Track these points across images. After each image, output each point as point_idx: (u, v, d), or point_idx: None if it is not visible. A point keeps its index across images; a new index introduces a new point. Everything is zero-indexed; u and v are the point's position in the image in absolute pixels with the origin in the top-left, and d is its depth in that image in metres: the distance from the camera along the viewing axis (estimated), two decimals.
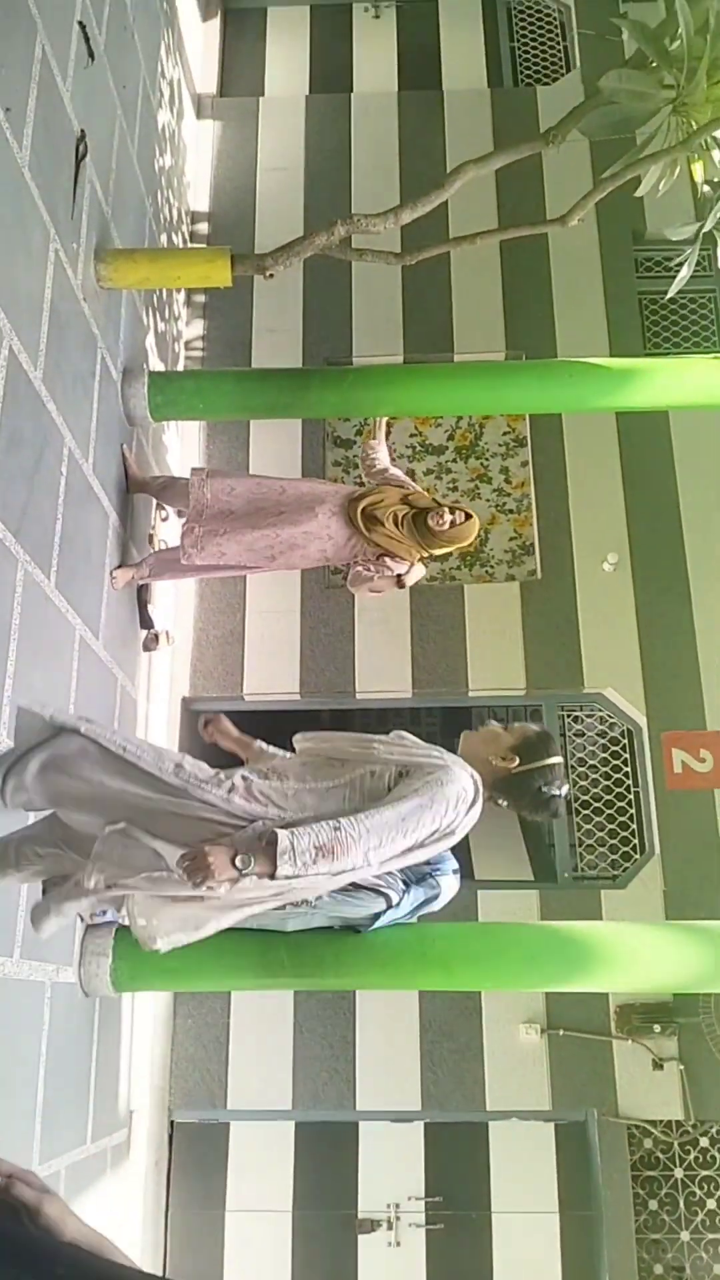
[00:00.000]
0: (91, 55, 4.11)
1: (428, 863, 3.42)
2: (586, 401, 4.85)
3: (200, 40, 6.77)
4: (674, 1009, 5.00)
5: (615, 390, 4.61)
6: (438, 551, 4.17)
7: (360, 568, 4.16)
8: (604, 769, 5.62)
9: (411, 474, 6.02)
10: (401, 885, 3.38)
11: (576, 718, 5.69)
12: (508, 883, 5.39)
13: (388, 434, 4.19)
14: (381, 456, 4.39)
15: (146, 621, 4.80)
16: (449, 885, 3.47)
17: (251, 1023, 5.11)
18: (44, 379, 3.42)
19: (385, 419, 4.32)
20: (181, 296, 6.01)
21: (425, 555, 4.18)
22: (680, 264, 4.48)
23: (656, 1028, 4.98)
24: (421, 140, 6.61)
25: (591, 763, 5.65)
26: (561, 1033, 5.01)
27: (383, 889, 3.29)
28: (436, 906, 3.45)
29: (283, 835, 2.08)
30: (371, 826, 2.14)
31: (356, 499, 4.16)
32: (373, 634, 5.63)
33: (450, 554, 4.37)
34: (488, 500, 6.08)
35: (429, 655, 5.59)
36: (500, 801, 2.43)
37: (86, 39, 4.05)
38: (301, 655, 5.59)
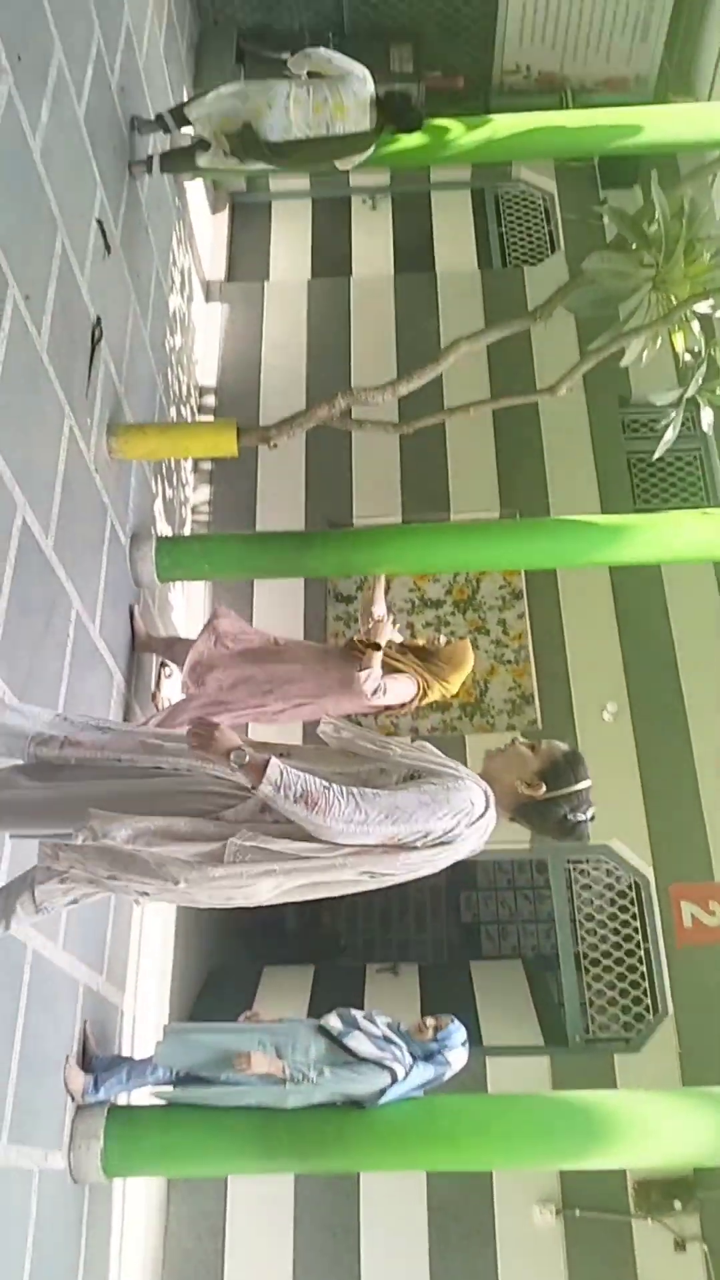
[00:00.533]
0: (108, 248, 4.44)
1: (436, 1039, 3.30)
2: (579, 557, 5.00)
3: (210, 230, 7.29)
4: (696, 1183, 4.72)
5: (607, 546, 4.75)
6: (443, 682, 4.19)
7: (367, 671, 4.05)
8: (613, 924, 5.49)
9: (411, 627, 6.14)
10: (408, 1060, 3.26)
11: (583, 870, 5.61)
12: (517, 1049, 5.19)
13: (386, 590, 4.29)
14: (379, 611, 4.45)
15: None
16: (457, 1060, 3.35)
17: (249, 1210, 4.82)
18: (55, 547, 3.54)
19: (383, 578, 4.41)
20: (189, 463, 6.27)
21: (427, 679, 4.20)
22: (666, 426, 4.70)
23: (678, 1204, 4.69)
24: (417, 318, 7.02)
25: (600, 918, 5.53)
26: (578, 1213, 4.72)
27: (387, 1063, 3.18)
28: (444, 1078, 3.33)
29: (274, 762, 2.02)
30: (361, 800, 2.03)
31: (354, 638, 4.22)
32: None
33: (452, 697, 4.40)
34: (486, 651, 6.17)
35: None
36: (522, 825, 2.30)
37: (104, 234, 4.37)
38: None
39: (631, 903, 5.49)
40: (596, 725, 5.74)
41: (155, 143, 5.16)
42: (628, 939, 5.42)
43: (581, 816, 2.25)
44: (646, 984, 5.28)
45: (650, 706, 5.80)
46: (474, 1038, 5.26)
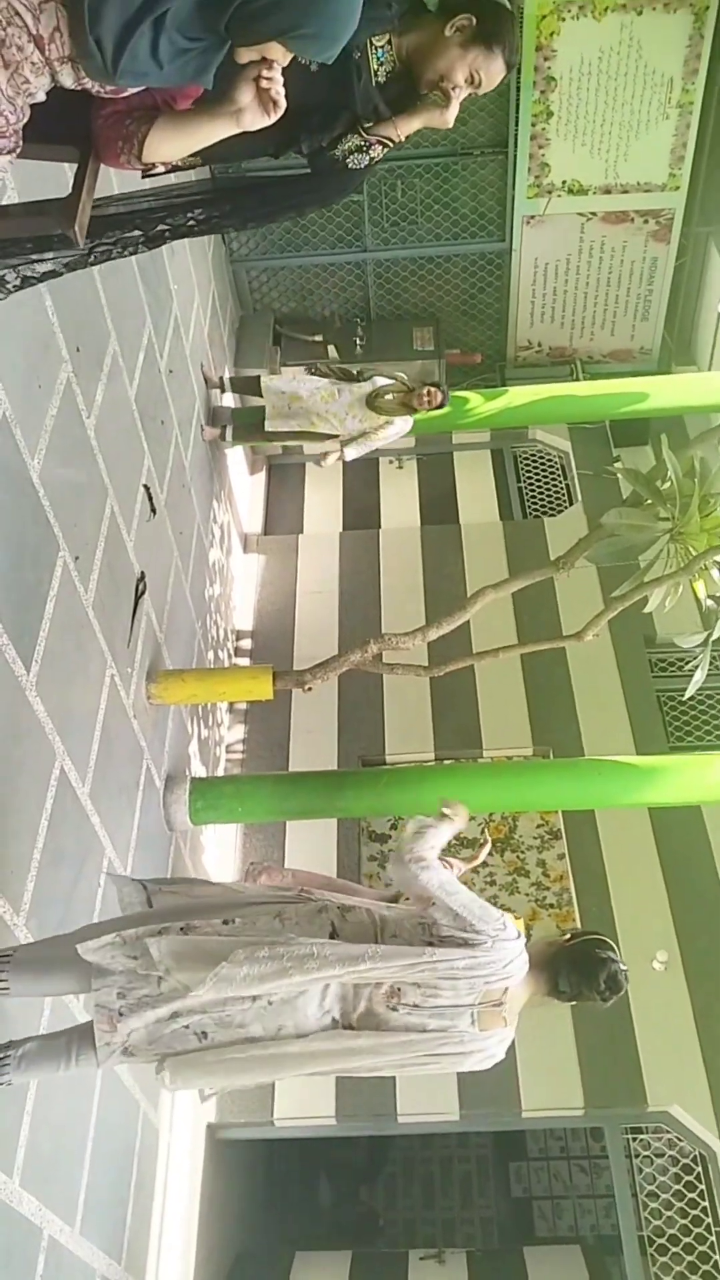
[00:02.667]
0: (154, 510, 4.73)
1: None
2: (615, 798, 4.93)
3: (248, 489, 7.79)
4: None
5: (643, 787, 4.70)
6: None
7: None
8: (680, 1203, 4.97)
9: (450, 867, 5.97)
10: None
11: (643, 1141, 5.14)
12: None
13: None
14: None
15: None
16: None
17: None
18: (90, 794, 3.55)
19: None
20: (225, 705, 6.38)
21: None
22: (695, 667, 4.76)
23: None
24: (443, 567, 7.33)
25: (665, 1196, 5.01)
26: None
27: None
28: None
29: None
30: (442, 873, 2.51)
31: (395, 899, 4.10)
32: None
33: None
34: (526, 894, 5.97)
35: (476, 1073, 5.17)
36: (562, 986, 2.46)
37: (150, 498, 4.67)
38: (337, 1076, 5.20)
39: (698, 1178, 4.99)
40: (647, 975, 5.43)
41: (229, 417, 6.14)
42: (697, 1221, 4.88)
43: (612, 954, 2.46)
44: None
45: (703, 955, 5.50)
46: None
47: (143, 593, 4.33)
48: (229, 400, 6.55)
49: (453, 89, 1.98)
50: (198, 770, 5.37)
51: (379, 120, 2.02)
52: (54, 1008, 3.11)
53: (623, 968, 2.46)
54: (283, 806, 4.92)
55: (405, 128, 2.03)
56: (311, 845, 5.97)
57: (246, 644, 6.98)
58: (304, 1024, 2.32)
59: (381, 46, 1.99)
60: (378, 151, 2.05)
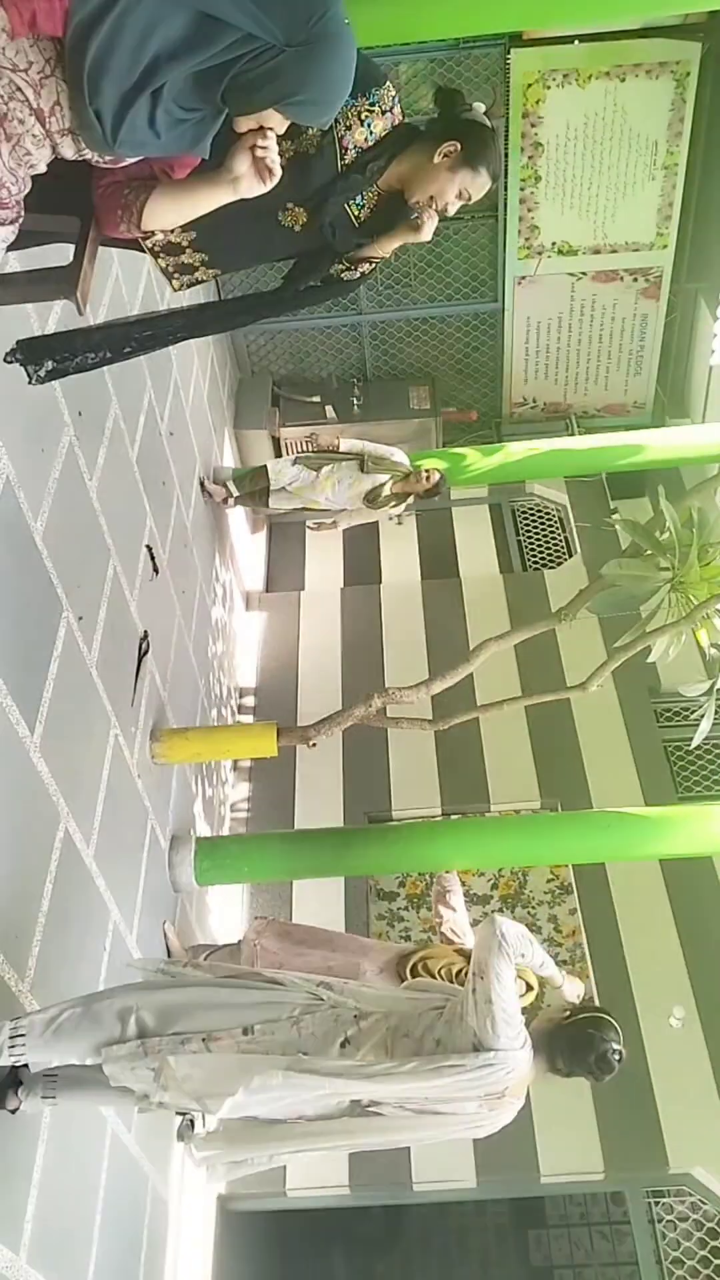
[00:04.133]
0: (156, 570, 4.75)
1: None
2: (626, 851, 4.87)
3: (249, 547, 7.84)
4: None
5: (654, 839, 4.65)
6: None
7: None
8: (706, 1271, 4.80)
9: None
10: None
11: (665, 1205, 4.99)
12: None
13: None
14: (453, 920, 4.31)
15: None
16: None
17: None
18: (95, 856, 3.51)
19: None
20: (229, 763, 6.35)
21: None
22: (700, 716, 4.74)
23: None
24: (445, 620, 7.35)
25: (690, 1263, 4.85)
26: None
27: None
28: None
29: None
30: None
31: (407, 955, 4.06)
32: None
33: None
34: (545, 1016, 5.85)
35: (493, 1138, 5.04)
36: (559, 1064, 2.57)
37: (153, 558, 4.70)
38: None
39: None
40: (665, 1033, 5.33)
41: (231, 486, 6.31)
42: None
43: (609, 1035, 2.58)
44: None
45: None
46: None
47: (146, 652, 4.33)
48: (230, 462, 6.64)
49: (443, 207, 2.13)
50: (203, 829, 5.33)
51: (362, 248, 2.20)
52: None
53: (615, 1048, 2.57)
54: (289, 865, 4.87)
55: (387, 247, 2.21)
56: (319, 903, 5.89)
57: (250, 701, 6.97)
58: (324, 1108, 2.46)
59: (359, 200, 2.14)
60: (367, 267, 2.24)
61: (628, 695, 6.76)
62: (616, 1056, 2.57)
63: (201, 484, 6.03)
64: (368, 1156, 4.99)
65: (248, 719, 6.77)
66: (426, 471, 5.80)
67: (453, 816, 6.27)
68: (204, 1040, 2.44)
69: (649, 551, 4.75)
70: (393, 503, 5.91)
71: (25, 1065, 2.68)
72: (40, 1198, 2.82)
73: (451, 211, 2.14)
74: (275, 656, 7.29)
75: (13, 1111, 2.66)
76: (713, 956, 5.60)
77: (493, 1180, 5.01)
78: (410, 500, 6.02)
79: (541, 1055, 2.58)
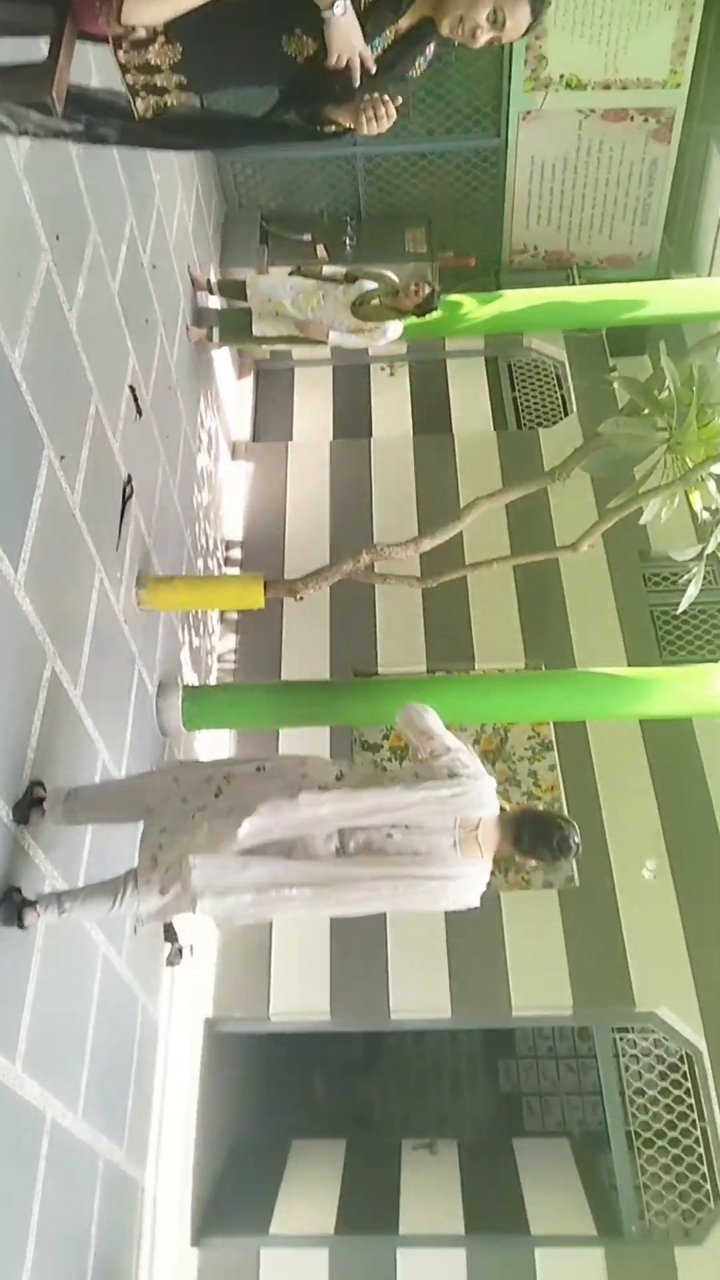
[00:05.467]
0: (139, 412, 4.61)
1: None
2: (608, 710, 4.93)
3: (235, 394, 7.61)
4: None
5: (634, 699, 4.70)
6: None
7: None
8: (665, 1100, 5.11)
9: None
10: None
11: (631, 1040, 5.27)
12: (568, 1239, 4.74)
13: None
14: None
15: (170, 935, 4.61)
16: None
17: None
18: (83, 697, 3.51)
19: None
20: (216, 613, 6.33)
21: None
22: (688, 581, 4.72)
23: None
24: (436, 477, 7.22)
25: (651, 1093, 5.15)
26: None
27: None
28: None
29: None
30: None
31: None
32: (407, 949, 5.35)
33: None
34: (518, 804, 6.00)
35: (467, 970, 5.28)
36: (523, 840, 2.81)
37: (136, 399, 4.55)
38: (332, 972, 5.29)
39: (684, 1076, 5.13)
40: (637, 884, 5.52)
41: (215, 319, 6.03)
42: (683, 1116, 5.03)
43: (571, 829, 2.81)
44: (705, 1168, 4.87)
45: (692, 864, 5.58)
46: (520, 1224, 4.88)
47: (130, 496, 4.24)
48: (215, 302, 6.35)
49: (472, 31, 1.90)
50: (190, 678, 5.34)
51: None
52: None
53: (576, 839, 2.82)
54: (277, 714, 4.91)
55: (346, 119, 2.02)
56: (305, 753, 5.97)
57: (236, 554, 6.90)
58: (313, 849, 2.74)
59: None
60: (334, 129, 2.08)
61: (617, 559, 6.72)
62: (575, 844, 2.81)
63: (201, 282, 5.84)
64: (348, 986, 5.23)
65: (234, 572, 6.71)
66: (415, 284, 5.43)
67: (437, 674, 6.31)
68: (225, 777, 2.92)
69: (647, 410, 4.64)
70: (384, 316, 5.51)
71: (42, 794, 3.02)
72: (34, 1012, 2.93)
73: (480, 40, 1.91)
74: (262, 509, 7.18)
75: (39, 803, 2.99)
76: (686, 813, 5.75)
77: (467, 1012, 5.25)
78: (398, 322, 5.65)
79: (510, 830, 2.83)
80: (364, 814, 2.76)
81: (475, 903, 2.83)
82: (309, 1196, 5.18)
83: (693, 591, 4.62)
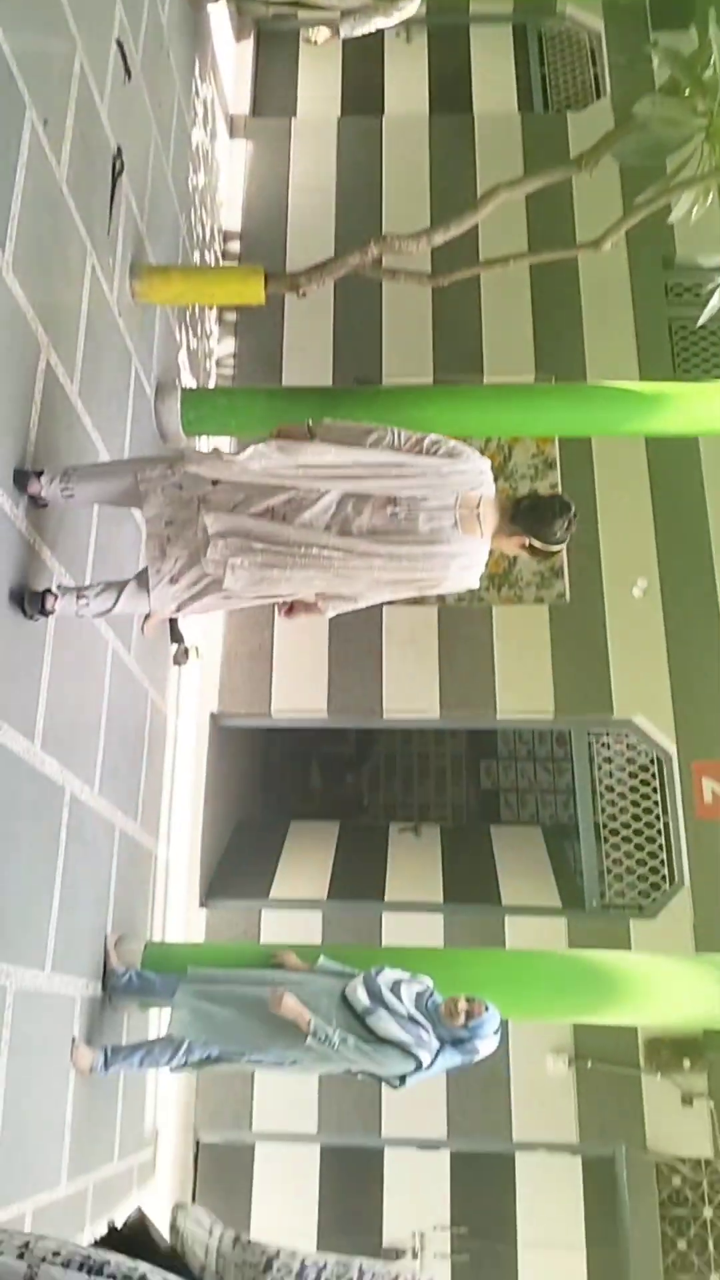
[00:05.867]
0: (129, 73, 4.14)
1: (467, 1027, 3.26)
2: (616, 425, 4.83)
3: (234, 60, 6.83)
4: (704, 1045, 4.88)
5: (644, 415, 4.58)
6: None
7: None
8: (633, 796, 5.53)
9: None
10: (434, 1044, 3.22)
11: (605, 744, 5.62)
12: (535, 909, 5.30)
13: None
14: None
15: (176, 636, 4.78)
16: (487, 1048, 3.29)
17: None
18: (80, 394, 3.41)
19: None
20: (213, 314, 6.02)
21: None
22: (711, 292, 4.46)
23: (686, 1063, 4.86)
24: (452, 163, 6.63)
25: (620, 790, 5.57)
26: (590, 1064, 4.90)
27: (412, 1049, 3.16)
28: (470, 1065, 3.35)
29: None
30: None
31: None
32: (401, 654, 5.58)
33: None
34: None
35: (457, 676, 5.53)
36: (517, 520, 2.80)
37: (124, 57, 4.07)
38: (330, 674, 5.54)
39: (653, 776, 5.52)
40: (626, 601, 5.66)
41: None
42: (647, 811, 5.46)
43: (564, 507, 2.81)
44: (664, 855, 5.35)
45: (681, 585, 5.71)
46: (493, 897, 5.43)
47: (120, 170, 3.89)
48: None
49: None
50: (188, 382, 5.17)
51: None
52: None
53: (572, 514, 2.82)
54: (277, 420, 4.77)
55: None
56: None
57: (235, 247, 6.46)
58: (315, 519, 2.76)
59: None
60: None
61: (640, 266, 6.33)
62: (571, 510, 2.81)
63: None
64: (344, 687, 5.50)
65: (234, 265, 6.31)
66: None
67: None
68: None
69: (688, 91, 4.21)
70: None
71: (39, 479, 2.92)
72: (49, 698, 3.08)
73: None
74: (263, 195, 6.64)
75: (35, 500, 2.94)
76: (681, 535, 5.80)
77: (454, 714, 5.56)
78: None
79: (507, 509, 2.82)
80: (369, 470, 2.77)
81: (475, 583, 2.87)
82: (305, 868, 5.72)
83: (715, 303, 4.40)
